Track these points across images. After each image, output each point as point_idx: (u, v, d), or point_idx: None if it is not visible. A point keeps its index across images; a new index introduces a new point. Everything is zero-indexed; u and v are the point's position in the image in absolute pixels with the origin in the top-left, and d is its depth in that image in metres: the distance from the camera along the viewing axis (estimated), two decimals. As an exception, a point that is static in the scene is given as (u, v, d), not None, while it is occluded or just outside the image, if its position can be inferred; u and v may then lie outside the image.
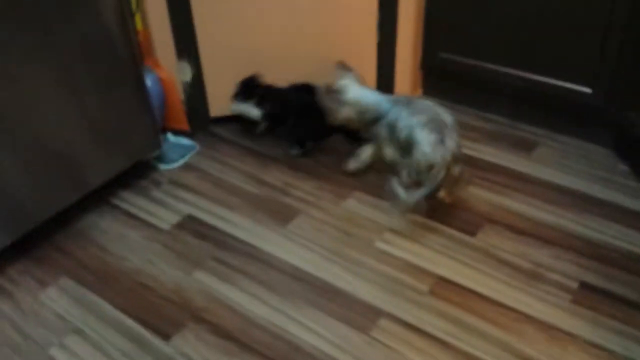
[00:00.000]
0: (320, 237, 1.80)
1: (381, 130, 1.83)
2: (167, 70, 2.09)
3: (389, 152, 1.85)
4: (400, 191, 1.73)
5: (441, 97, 2.45)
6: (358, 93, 1.86)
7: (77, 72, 1.69)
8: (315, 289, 1.63)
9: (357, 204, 1.92)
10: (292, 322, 1.53)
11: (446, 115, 1.78)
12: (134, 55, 1.83)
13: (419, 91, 2.49)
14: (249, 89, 2.14)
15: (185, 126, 2.19)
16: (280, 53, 2.19)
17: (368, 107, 1.84)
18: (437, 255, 1.72)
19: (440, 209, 1.88)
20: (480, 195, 1.94)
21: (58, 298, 1.63)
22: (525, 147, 2.17)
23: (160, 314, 1.57)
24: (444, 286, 1.62)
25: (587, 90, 2.03)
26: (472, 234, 1.79)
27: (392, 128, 1.79)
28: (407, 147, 1.74)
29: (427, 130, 1.71)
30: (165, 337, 1.50)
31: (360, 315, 1.55)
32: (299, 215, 1.88)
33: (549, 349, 1.45)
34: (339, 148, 2.15)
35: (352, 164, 2.00)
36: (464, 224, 1.83)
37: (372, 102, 1.85)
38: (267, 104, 2.12)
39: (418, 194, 1.70)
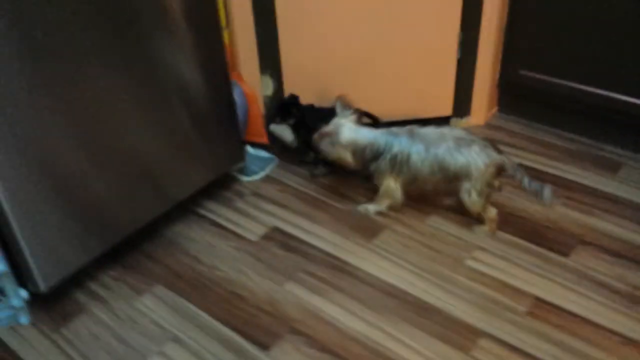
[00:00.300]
0: (408, 252, 1.79)
1: (382, 165, 1.80)
2: (249, 84, 2.11)
3: (388, 183, 1.84)
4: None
5: (517, 115, 2.45)
6: (353, 133, 1.80)
7: (170, 88, 1.71)
8: (409, 306, 1.61)
9: (442, 221, 1.91)
10: (389, 337, 1.52)
11: (459, 131, 1.78)
12: (225, 71, 1.86)
13: (495, 109, 2.48)
14: (287, 110, 2.12)
15: (264, 139, 2.21)
16: (360, 69, 2.20)
17: (365, 145, 1.79)
18: (531, 275, 1.69)
19: (529, 229, 1.85)
20: (569, 215, 1.91)
21: (154, 306, 1.64)
22: (609, 167, 2.13)
23: (256, 324, 1.57)
24: (541, 307, 1.59)
25: (678, 111, 1.99)
26: (565, 254, 1.76)
27: (399, 161, 1.77)
28: (453, 174, 1.74)
29: (464, 148, 1.71)
30: (264, 347, 1.51)
31: (458, 334, 1.53)
32: (384, 231, 1.88)
33: (656, 375, 1.41)
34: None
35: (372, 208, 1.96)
36: (556, 244, 1.80)
37: (368, 140, 1.79)
38: (301, 129, 2.08)
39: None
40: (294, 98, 2.11)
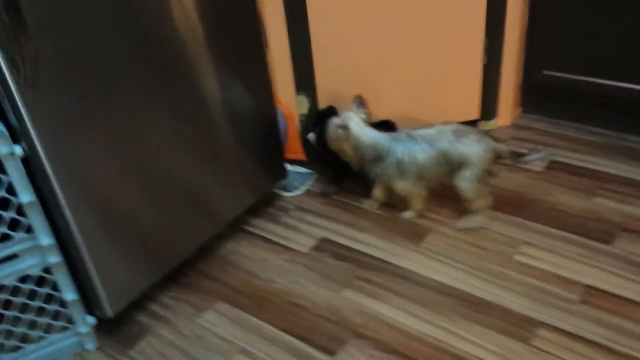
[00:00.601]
0: (457, 253, 1.84)
1: (388, 168, 1.89)
2: (285, 104, 2.19)
3: (402, 185, 1.92)
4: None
5: (541, 113, 2.52)
6: (359, 129, 1.90)
7: (218, 114, 1.78)
8: (465, 303, 1.66)
9: (484, 219, 1.96)
10: (451, 335, 1.57)
11: (454, 125, 1.88)
12: (270, 92, 1.93)
13: (519, 110, 2.55)
14: (323, 119, 2.13)
15: (301, 156, 2.28)
16: (390, 80, 2.27)
17: (367, 145, 1.89)
18: (579, 265, 1.74)
19: (570, 221, 1.91)
20: (606, 204, 1.97)
21: (217, 321, 1.70)
22: (638, 157, 2.19)
23: (319, 331, 1.62)
24: (593, 294, 1.64)
25: (702, 97, 2.05)
26: (608, 242, 1.81)
27: (407, 163, 1.86)
28: (457, 164, 1.84)
29: (462, 138, 1.82)
30: (330, 353, 1.56)
31: (517, 327, 1.57)
32: (430, 234, 1.93)
33: None
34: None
35: (370, 205, 2.09)
36: (598, 233, 1.85)
37: (371, 141, 1.89)
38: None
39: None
40: (331, 109, 2.16)
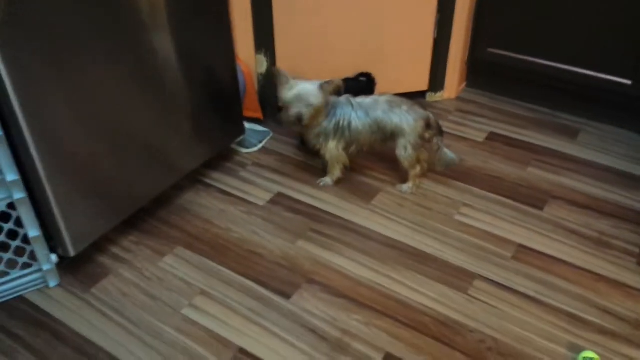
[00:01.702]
0: (403, 211, 1.99)
1: (327, 129, 1.98)
2: (245, 62, 2.24)
3: (331, 146, 2.00)
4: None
5: (485, 89, 2.69)
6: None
7: (179, 68, 1.82)
8: (409, 255, 1.81)
9: (430, 183, 2.11)
10: (396, 283, 1.71)
11: (389, 96, 2.00)
12: (231, 50, 1.99)
13: (464, 84, 2.71)
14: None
15: (259, 114, 2.35)
16: (346, 47, 2.37)
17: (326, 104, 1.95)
18: (513, 226, 1.92)
19: (506, 187, 2.09)
20: (539, 174, 2.16)
21: (178, 265, 1.77)
22: (569, 133, 2.40)
23: (275, 277, 1.73)
24: (524, 252, 1.83)
25: (627, 82, 2.27)
26: (540, 208, 2.00)
27: (341, 127, 1.97)
28: (390, 133, 1.97)
29: (396, 109, 1.95)
30: (286, 296, 1.67)
31: (455, 278, 1.74)
32: (379, 193, 2.06)
33: (624, 302, 1.66)
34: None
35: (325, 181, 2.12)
36: (531, 199, 2.04)
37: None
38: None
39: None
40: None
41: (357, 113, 1.96)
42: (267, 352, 1.52)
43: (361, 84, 2.33)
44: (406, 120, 1.94)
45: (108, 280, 1.72)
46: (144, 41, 1.68)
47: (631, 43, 2.20)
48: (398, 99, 1.98)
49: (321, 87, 1.91)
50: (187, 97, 1.89)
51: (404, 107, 1.95)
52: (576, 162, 2.23)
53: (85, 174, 1.63)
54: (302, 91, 1.90)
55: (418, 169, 2.02)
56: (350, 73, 2.37)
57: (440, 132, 2.03)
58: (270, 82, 2.36)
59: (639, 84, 2.25)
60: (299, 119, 1.90)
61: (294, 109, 1.90)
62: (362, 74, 2.37)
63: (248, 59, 2.26)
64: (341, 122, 1.96)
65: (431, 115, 1.99)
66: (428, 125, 1.97)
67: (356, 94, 2.24)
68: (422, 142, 1.98)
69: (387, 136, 1.98)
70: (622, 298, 1.68)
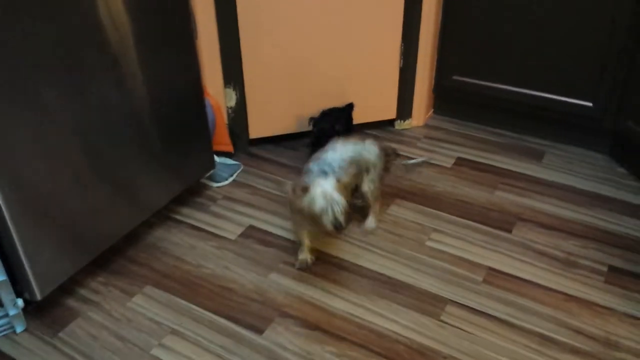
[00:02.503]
0: (375, 239, 1.99)
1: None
2: (213, 95, 2.26)
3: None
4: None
5: (451, 116, 2.73)
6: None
7: (146, 103, 1.82)
8: (383, 284, 1.81)
9: (400, 209, 2.13)
10: (370, 312, 1.71)
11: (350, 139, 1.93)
12: (199, 84, 2.00)
13: (431, 111, 2.75)
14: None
15: (229, 148, 2.36)
16: (314, 79, 2.40)
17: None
18: (483, 250, 1.94)
19: (474, 211, 2.11)
20: (507, 197, 2.19)
21: (147, 304, 1.75)
22: (534, 156, 2.45)
23: (247, 311, 1.72)
24: (495, 275, 1.84)
25: (589, 104, 2.33)
26: (508, 230, 2.03)
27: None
28: (366, 166, 1.93)
29: (362, 144, 1.93)
30: (258, 331, 1.65)
31: (428, 304, 1.74)
32: (351, 222, 2.07)
33: (593, 321, 1.68)
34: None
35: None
36: (499, 222, 2.06)
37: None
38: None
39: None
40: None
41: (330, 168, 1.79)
42: (239, 389, 1.50)
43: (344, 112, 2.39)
44: (373, 152, 1.93)
45: (76, 323, 1.69)
46: (110, 75, 1.68)
47: (591, 66, 2.26)
48: (350, 139, 1.93)
49: (337, 180, 1.70)
50: (155, 132, 1.88)
51: (368, 141, 1.94)
52: (542, 184, 2.27)
53: (50, 215, 1.61)
54: (325, 194, 1.65)
55: (378, 203, 2.03)
56: (320, 104, 2.40)
57: (396, 155, 2.09)
58: (240, 115, 2.37)
59: (600, 106, 2.31)
60: (338, 226, 1.66)
61: (325, 218, 1.65)
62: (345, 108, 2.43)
63: (217, 93, 2.28)
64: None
65: (388, 146, 2.05)
66: (388, 156, 2.02)
67: (338, 115, 2.34)
68: (385, 173, 2.01)
69: (363, 170, 1.92)
70: (591, 317, 1.70)
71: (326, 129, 2.27)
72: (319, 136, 2.27)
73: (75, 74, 1.57)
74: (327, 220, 1.65)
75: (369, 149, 1.93)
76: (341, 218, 1.65)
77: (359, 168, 1.90)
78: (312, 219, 1.69)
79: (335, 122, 2.30)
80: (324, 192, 1.65)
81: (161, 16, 1.79)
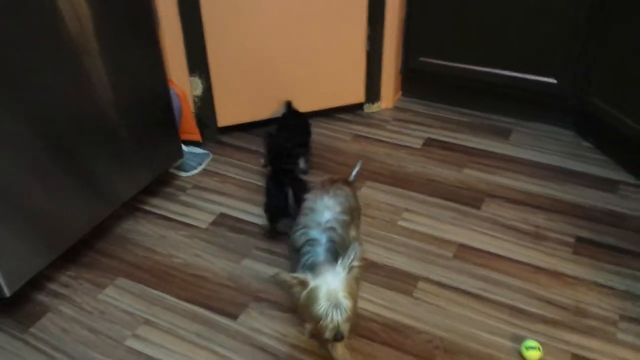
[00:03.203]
0: (347, 222, 2.00)
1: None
2: (179, 84, 2.23)
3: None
4: None
5: (420, 97, 2.75)
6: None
7: (109, 94, 1.79)
8: (355, 265, 1.82)
9: (372, 191, 2.14)
10: (343, 293, 1.71)
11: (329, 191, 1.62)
12: (163, 73, 1.97)
13: (399, 93, 2.76)
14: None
15: (197, 137, 2.34)
16: (282, 65, 2.39)
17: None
18: (453, 227, 1.96)
19: (444, 190, 2.13)
20: (475, 175, 2.22)
21: (119, 296, 1.73)
22: (501, 134, 2.48)
23: (221, 298, 1.71)
24: (465, 251, 1.86)
25: (553, 81, 2.36)
26: (477, 207, 2.05)
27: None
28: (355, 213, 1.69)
29: (340, 192, 1.63)
30: (233, 317, 1.65)
31: (401, 281, 1.75)
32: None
33: (562, 291, 1.71)
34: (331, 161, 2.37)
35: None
36: (469, 199, 2.09)
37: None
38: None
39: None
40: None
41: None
42: (215, 374, 1.49)
43: (299, 120, 2.33)
44: (352, 195, 1.68)
45: (47, 318, 1.66)
46: (72, 67, 1.65)
47: (554, 44, 2.29)
48: (329, 188, 1.62)
49: (349, 270, 1.36)
50: (120, 123, 1.86)
51: (340, 190, 1.63)
52: (510, 161, 2.30)
53: (15, 209, 1.58)
54: (330, 296, 1.31)
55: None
56: (289, 90, 2.39)
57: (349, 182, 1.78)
58: (207, 104, 2.35)
59: (564, 83, 2.34)
60: (339, 337, 1.33)
61: (325, 325, 1.31)
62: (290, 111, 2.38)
63: (182, 82, 2.25)
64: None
65: (350, 179, 1.82)
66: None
67: (294, 129, 2.25)
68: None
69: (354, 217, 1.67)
70: (561, 287, 1.73)
71: (287, 147, 2.05)
72: (276, 154, 2.02)
73: (35, 66, 1.54)
74: (327, 328, 1.31)
75: (347, 193, 1.64)
76: (344, 327, 1.32)
77: (352, 217, 1.63)
78: (310, 317, 1.36)
79: (293, 137, 2.15)
80: (330, 292, 1.31)
81: (122, 5, 1.76)
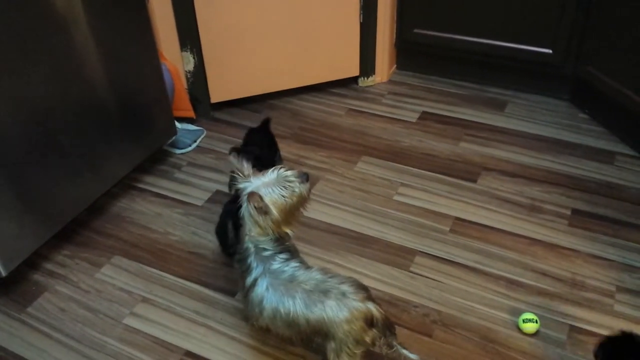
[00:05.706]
0: (344, 197, 1.99)
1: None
2: (171, 60, 2.20)
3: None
4: None
5: (415, 70, 2.72)
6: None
7: (100, 72, 1.77)
8: (352, 240, 1.82)
9: (368, 166, 2.13)
10: (341, 268, 1.72)
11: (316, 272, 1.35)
12: (154, 49, 1.94)
13: (394, 66, 2.73)
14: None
15: (190, 113, 2.31)
16: (274, 40, 2.35)
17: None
18: (449, 201, 1.96)
19: (439, 164, 2.12)
20: (470, 148, 2.21)
21: (116, 275, 1.73)
22: (497, 106, 2.46)
23: (218, 275, 1.71)
24: (461, 225, 1.86)
25: (548, 51, 2.34)
26: (473, 180, 2.05)
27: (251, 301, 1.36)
28: (312, 331, 1.33)
29: (323, 299, 1.28)
30: (230, 293, 1.65)
31: (397, 256, 1.76)
32: (319, 181, 2.06)
33: (559, 263, 1.72)
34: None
35: None
36: (464, 173, 2.08)
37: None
38: None
39: None
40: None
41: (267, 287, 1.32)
42: (214, 351, 1.50)
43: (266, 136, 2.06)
44: (336, 316, 1.25)
45: (44, 298, 1.66)
46: (61, 42, 1.62)
47: (549, 14, 2.26)
48: (328, 279, 1.30)
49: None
50: (111, 100, 1.83)
51: (333, 297, 1.26)
52: (506, 133, 2.29)
53: (8, 188, 1.56)
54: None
55: None
56: (281, 65, 2.36)
57: (391, 329, 1.32)
58: (199, 80, 2.32)
59: (560, 53, 2.32)
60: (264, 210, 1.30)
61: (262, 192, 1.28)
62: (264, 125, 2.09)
63: (174, 58, 2.22)
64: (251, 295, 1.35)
65: (373, 308, 1.27)
66: (370, 324, 1.27)
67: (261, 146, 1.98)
68: (364, 348, 1.31)
69: (308, 335, 1.34)
70: (557, 259, 1.73)
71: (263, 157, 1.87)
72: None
73: (21, 43, 1.51)
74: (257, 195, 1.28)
75: (330, 310, 1.26)
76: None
77: (300, 329, 1.32)
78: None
79: (263, 148, 1.97)
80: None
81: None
